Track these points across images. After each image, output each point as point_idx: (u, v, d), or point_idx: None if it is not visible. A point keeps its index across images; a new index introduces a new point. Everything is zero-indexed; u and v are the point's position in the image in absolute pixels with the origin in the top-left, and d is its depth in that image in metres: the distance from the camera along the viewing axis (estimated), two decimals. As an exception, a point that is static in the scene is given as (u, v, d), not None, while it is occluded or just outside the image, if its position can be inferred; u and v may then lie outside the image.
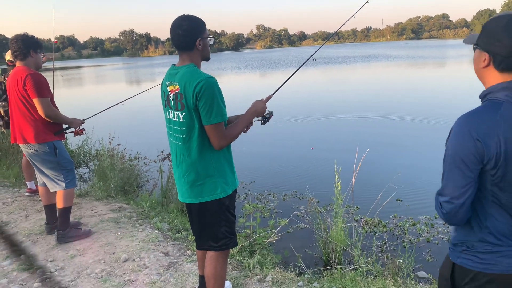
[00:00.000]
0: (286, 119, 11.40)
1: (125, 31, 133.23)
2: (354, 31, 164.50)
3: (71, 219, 3.94)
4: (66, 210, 3.76)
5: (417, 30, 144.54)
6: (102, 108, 4.48)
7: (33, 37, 3.69)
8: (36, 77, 3.50)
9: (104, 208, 4.72)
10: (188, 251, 3.61)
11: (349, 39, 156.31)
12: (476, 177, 1.41)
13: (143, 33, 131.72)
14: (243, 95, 15.83)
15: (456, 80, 18.93)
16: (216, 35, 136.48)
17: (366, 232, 4.31)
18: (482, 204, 1.46)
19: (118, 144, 6.26)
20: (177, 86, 2.22)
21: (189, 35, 2.24)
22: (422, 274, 3.61)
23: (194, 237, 2.68)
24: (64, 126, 3.80)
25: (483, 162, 1.38)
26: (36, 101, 3.48)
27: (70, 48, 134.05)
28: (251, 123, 2.56)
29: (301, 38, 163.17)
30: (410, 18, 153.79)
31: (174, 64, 2.36)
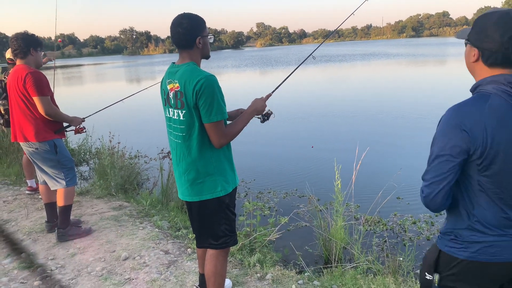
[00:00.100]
0: (286, 118, 11.40)
1: (125, 29, 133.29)
2: (354, 29, 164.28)
3: (71, 217, 3.94)
4: (67, 208, 3.77)
5: (418, 28, 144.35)
6: (103, 106, 4.48)
7: (33, 35, 3.69)
8: (36, 76, 3.50)
9: (104, 206, 4.72)
10: (188, 249, 3.61)
11: (350, 37, 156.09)
12: (458, 165, 1.45)
13: (143, 31, 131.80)
14: (243, 93, 15.82)
15: (457, 78, 18.91)
16: (216, 33, 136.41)
17: (366, 230, 4.32)
18: (470, 194, 1.50)
19: (119, 142, 6.26)
20: (177, 84, 2.22)
21: (189, 33, 2.24)
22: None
23: (194, 235, 2.68)
24: (65, 124, 3.80)
25: (469, 153, 1.42)
26: (36, 100, 3.48)
27: (70, 47, 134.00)
28: None
29: (301, 36, 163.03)
30: (411, 16, 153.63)
31: (174, 62, 2.36)
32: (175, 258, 3.46)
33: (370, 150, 4.46)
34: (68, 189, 3.72)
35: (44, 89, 3.51)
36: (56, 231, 3.79)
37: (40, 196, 4.76)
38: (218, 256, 2.46)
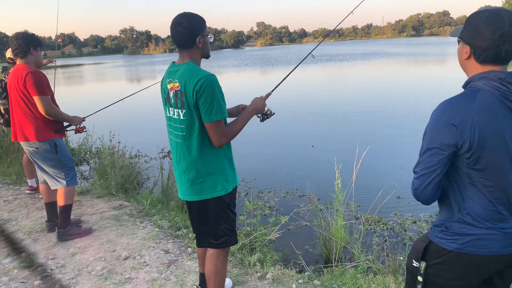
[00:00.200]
0: (287, 117, 11.40)
1: (126, 28, 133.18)
2: (354, 29, 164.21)
3: (72, 216, 3.95)
4: (67, 208, 3.77)
5: (418, 27, 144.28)
6: (103, 106, 4.48)
7: (33, 35, 3.68)
8: (37, 75, 3.50)
9: (104, 206, 4.73)
10: (189, 249, 3.61)
11: (350, 37, 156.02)
12: (447, 158, 1.50)
13: (144, 30, 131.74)
14: (244, 93, 15.81)
15: (456, 77, 18.91)
16: (217, 32, 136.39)
17: (367, 229, 4.32)
18: (460, 187, 1.55)
19: (119, 142, 6.26)
20: (177, 84, 2.22)
21: (189, 33, 2.23)
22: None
23: (194, 234, 2.68)
24: (65, 123, 3.80)
25: (458, 146, 1.46)
26: (36, 99, 3.48)
27: (70, 46, 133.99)
28: None
29: (301, 35, 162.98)
30: (411, 15, 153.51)
31: (174, 62, 2.35)
32: (176, 258, 3.46)
33: (370, 149, 4.46)
34: (68, 189, 3.72)
35: (44, 89, 3.51)
36: (57, 230, 3.79)
37: (40, 196, 4.77)
38: (218, 255, 2.46)
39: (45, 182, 3.82)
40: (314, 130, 10.09)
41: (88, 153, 7.60)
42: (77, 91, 25.19)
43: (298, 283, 3.10)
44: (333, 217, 3.87)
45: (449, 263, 1.58)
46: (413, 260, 1.69)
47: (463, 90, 1.58)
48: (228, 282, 2.98)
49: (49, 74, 4.11)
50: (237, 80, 25.14)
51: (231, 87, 18.47)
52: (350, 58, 38.14)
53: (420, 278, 1.65)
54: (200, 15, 2.30)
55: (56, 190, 3.75)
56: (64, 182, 3.70)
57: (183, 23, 2.22)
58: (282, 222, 4.06)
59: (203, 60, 2.39)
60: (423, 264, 1.65)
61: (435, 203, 1.68)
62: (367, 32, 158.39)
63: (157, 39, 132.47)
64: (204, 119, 2.18)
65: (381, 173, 6.21)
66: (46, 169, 3.69)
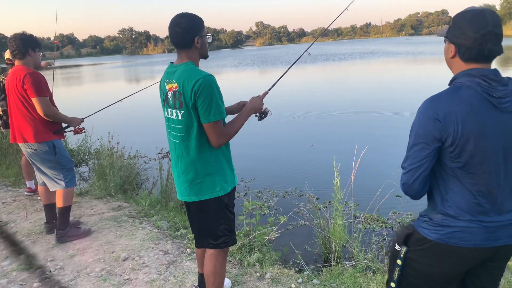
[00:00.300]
0: (286, 117, 11.40)
1: (124, 29, 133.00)
2: (353, 28, 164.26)
3: (70, 218, 3.94)
4: (66, 209, 3.77)
5: (417, 26, 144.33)
6: (102, 107, 4.47)
7: (31, 36, 3.68)
8: (35, 76, 3.49)
9: (103, 207, 4.72)
10: (188, 249, 3.61)
11: (349, 36, 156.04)
12: (433, 153, 1.55)
13: (142, 31, 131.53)
14: (243, 92, 15.80)
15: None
16: (215, 32, 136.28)
17: (366, 228, 4.32)
18: (444, 180, 1.60)
19: (118, 143, 6.25)
20: (176, 84, 2.22)
21: (188, 33, 2.23)
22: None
23: (193, 235, 2.68)
24: (64, 125, 3.80)
25: (442, 140, 1.52)
26: (35, 100, 3.48)
27: (69, 47, 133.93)
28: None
29: (300, 35, 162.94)
30: (410, 14, 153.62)
31: (172, 62, 2.35)
32: (175, 258, 3.46)
33: (369, 148, 4.47)
34: (67, 190, 3.72)
35: (42, 90, 3.51)
36: (55, 232, 3.79)
37: (39, 197, 4.76)
38: (217, 256, 2.46)
39: (44, 184, 3.81)
40: (313, 130, 10.09)
41: (87, 154, 7.59)
42: (76, 92, 25.17)
43: (297, 282, 3.10)
44: (332, 216, 3.87)
45: (428, 251, 1.64)
46: (396, 244, 1.76)
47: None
48: (227, 282, 2.98)
49: (47, 75, 4.10)
50: (236, 80, 25.14)
51: (230, 87, 18.47)
52: (349, 58, 38.12)
53: (399, 261, 1.72)
54: (198, 15, 2.30)
55: (55, 191, 3.75)
56: (63, 183, 3.69)
57: (181, 23, 2.22)
58: (281, 221, 4.06)
59: (201, 60, 2.40)
60: (404, 249, 1.71)
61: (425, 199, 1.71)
62: (365, 31, 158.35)
63: (156, 39, 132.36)
64: (203, 119, 2.19)
65: (380, 172, 6.21)
66: (45, 171, 3.68)
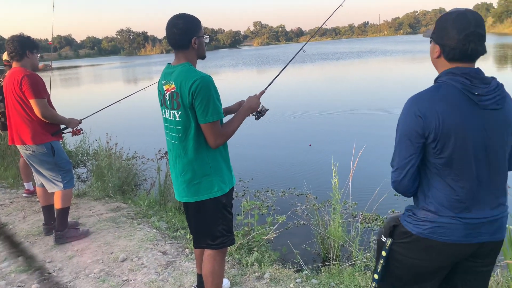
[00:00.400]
0: (283, 116, 11.40)
1: (122, 30, 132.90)
2: (351, 27, 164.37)
3: (69, 219, 3.94)
4: (64, 211, 3.76)
5: (414, 24, 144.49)
6: (100, 108, 4.47)
7: (29, 37, 3.68)
8: (33, 78, 3.49)
9: (102, 208, 4.72)
10: (186, 250, 3.61)
11: (347, 35, 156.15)
12: (419, 150, 1.60)
13: (140, 31, 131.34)
14: (241, 92, 15.80)
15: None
16: (213, 32, 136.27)
17: (364, 227, 4.33)
18: (427, 176, 1.65)
19: (116, 144, 6.24)
20: (173, 85, 2.23)
21: (185, 34, 2.24)
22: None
23: (192, 235, 2.68)
24: (62, 126, 3.80)
25: (425, 136, 1.56)
26: (32, 102, 3.48)
27: (67, 48, 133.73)
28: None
29: (298, 34, 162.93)
30: (407, 13, 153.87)
31: (170, 63, 2.36)
32: (173, 259, 3.46)
33: (367, 147, 4.47)
34: (65, 192, 3.72)
35: (40, 92, 3.51)
36: (54, 233, 3.78)
37: (37, 199, 4.75)
38: (216, 256, 2.46)
39: (42, 185, 3.81)
40: (311, 129, 10.09)
41: (85, 155, 7.59)
42: (74, 93, 25.13)
43: (296, 282, 3.10)
44: (331, 216, 3.87)
45: (411, 244, 1.69)
46: (382, 236, 1.81)
47: None
48: (226, 282, 2.99)
49: (45, 76, 4.10)
50: (234, 80, 25.13)
51: (228, 87, 18.46)
52: (347, 57, 38.14)
53: (384, 253, 1.78)
54: (195, 16, 2.30)
55: (53, 193, 3.75)
56: (61, 185, 3.69)
57: (178, 24, 2.23)
58: (280, 221, 4.06)
59: (199, 61, 2.40)
60: (389, 241, 1.77)
61: None
62: (363, 30, 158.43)
63: (154, 39, 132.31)
64: (200, 120, 2.19)
65: (378, 171, 6.21)
66: (43, 172, 3.68)
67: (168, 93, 2.27)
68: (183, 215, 4.42)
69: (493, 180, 1.60)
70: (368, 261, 3.46)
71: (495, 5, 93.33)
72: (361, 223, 4.22)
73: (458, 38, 1.54)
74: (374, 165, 6.57)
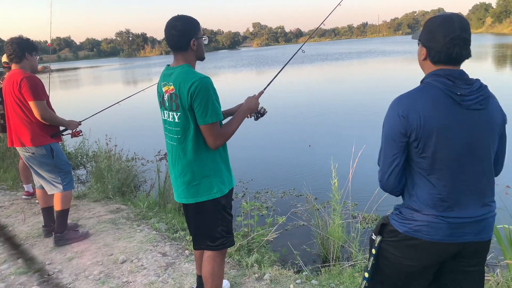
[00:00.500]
0: (283, 117, 11.41)
1: (121, 31, 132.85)
2: (350, 27, 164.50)
3: (68, 221, 3.94)
4: (64, 213, 3.76)
5: (413, 25, 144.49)
6: (99, 110, 4.47)
7: (28, 39, 3.68)
8: (32, 80, 3.49)
9: (101, 210, 4.72)
10: (186, 251, 3.61)
11: (346, 36, 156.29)
12: (402, 149, 1.64)
13: (140, 33, 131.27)
14: (240, 93, 15.80)
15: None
16: (212, 33, 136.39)
17: (364, 228, 4.32)
18: (411, 175, 1.68)
19: (115, 145, 6.25)
20: (172, 87, 2.23)
21: (183, 36, 2.24)
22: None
23: (191, 237, 2.68)
24: (61, 128, 3.80)
25: (407, 136, 1.60)
26: (32, 104, 3.48)
27: (66, 50, 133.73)
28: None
29: (297, 35, 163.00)
30: (406, 13, 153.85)
31: (168, 65, 2.36)
32: (173, 260, 3.46)
33: (366, 147, 4.47)
34: (65, 193, 3.71)
35: (39, 94, 3.51)
36: (53, 235, 3.78)
37: (37, 201, 4.75)
38: (215, 257, 2.46)
39: (42, 187, 3.81)
40: (311, 130, 10.10)
41: (85, 157, 7.59)
42: (73, 95, 25.12)
43: (296, 283, 3.10)
44: (330, 216, 3.87)
45: (398, 243, 1.72)
46: (373, 234, 1.85)
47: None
48: (225, 283, 2.99)
49: (43, 78, 4.10)
50: (233, 81, 25.14)
51: (227, 88, 18.47)
52: (346, 57, 38.16)
53: (373, 251, 1.80)
54: (194, 17, 2.30)
55: (52, 195, 3.75)
56: (60, 186, 3.69)
57: (177, 26, 2.23)
58: (280, 222, 4.06)
59: (198, 62, 2.40)
60: (378, 238, 1.79)
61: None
62: (362, 30, 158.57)
63: (153, 41, 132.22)
64: (199, 121, 2.19)
65: (378, 171, 6.21)
66: (43, 174, 3.68)
67: (167, 94, 2.27)
68: (182, 217, 4.42)
69: (477, 180, 1.62)
70: (368, 261, 3.45)
71: (494, 5, 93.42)
72: (361, 224, 4.22)
73: (444, 42, 1.57)
74: (374, 166, 6.53)
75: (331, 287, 3.06)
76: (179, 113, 2.22)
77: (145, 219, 4.44)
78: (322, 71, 27.31)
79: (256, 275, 3.19)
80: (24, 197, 5.21)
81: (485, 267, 1.80)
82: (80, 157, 7.54)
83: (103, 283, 3.12)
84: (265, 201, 5.60)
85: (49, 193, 3.76)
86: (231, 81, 25.22)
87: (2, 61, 5.08)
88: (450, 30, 1.56)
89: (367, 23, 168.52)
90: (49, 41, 6.73)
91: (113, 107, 4.53)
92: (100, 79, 38.02)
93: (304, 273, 3.35)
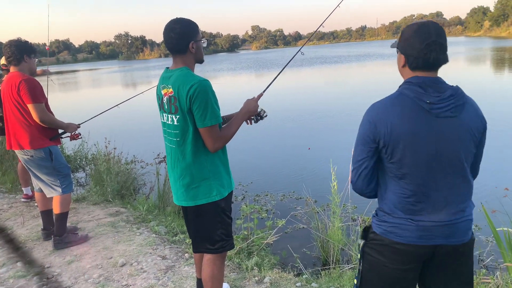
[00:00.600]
0: (282, 120, 11.41)
1: (120, 34, 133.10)
2: (349, 31, 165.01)
3: (68, 224, 3.93)
4: (63, 216, 3.75)
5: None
6: (98, 112, 4.47)
7: (26, 42, 3.68)
8: (30, 83, 3.49)
9: (101, 213, 4.70)
10: (186, 254, 3.60)
11: (344, 39, 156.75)
12: (371, 154, 1.69)
13: (138, 36, 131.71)
14: (239, 96, 15.80)
15: (452, 77, 18.98)
16: (211, 36, 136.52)
17: (364, 231, 4.31)
18: (384, 179, 1.73)
19: (114, 148, 6.24)
20: (171, 90, 2.23)
21: (182, 38, 2.24)
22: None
23: (191, 240, 2.68)
24: (60, 131, 3.79)
25: (376, 142, 1.65)
26: (30, 107, 3.47)
27: (65, 52, 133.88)
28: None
29: (296, 38, 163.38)
30: (405, 17, 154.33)
31: (168, 67, 2.36)
32: (173, 264, 3.45)
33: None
34: (64, 196, 3.70)
35: (38, 96, 3.50)
36: (53, 238, 3.77)
37: (36, 204, 4.73)
38: (215, 260, 2.45)
39: (41, 190, 3.80)
40: (310, 133, 10.10)
41: (84, 159, 7.57)
42: (72, 97, 25.12)
43: (296, 286, 3.09)
44: (330, 219, 3.87)
45: (376, 245, 1.75)
46: (360, 238, 1.87)
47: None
48: (225, 286, 2.98)
49: (42, 81, 4.10)
50: (232, 84, 25.16)
51: (226, 91, 18.47)
52: (345, 60, 38.24)
53: (359, 255, 1.84)
54: (192, 20, 2.30)
55: (51, 198, 3.74)
56: (59, 189, 3.68)
57: (176, 29, 2.23)
58: (279, 225, 4.06)
59: (197, 65, 2.40)
60: (362, 242, 1.83)
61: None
62: (361, 34, 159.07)
63: (152, 44, 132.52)
64: (198, 124, 2.19)
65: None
66: (42, 177, 3.67)
67: (166, 97, 2.27)
68: (182, 220, 4.41)
69: (447, 186, 1.63)
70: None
71: (492, 9, 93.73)
72: (360, 227, 4.21)
73: (420, 48, 1.61)
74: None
75: (331, 290, 3.05)
76: (178, 116, 2.22)
77: (145, 222, 4.43)
78: (321, 74, 27.35)
79: (256, 278, 3.18)
80: (23, 200, 5.20)
81: (474, 271, 1.81)
82: (79, 160, 7.52)
83: (102, 287, 3.11)
84: (264, 204, 5.60)
85: (48, 196, 3.75)
86: (230, 84, 25.24)
87: (1, 64, 5.08)
88: (426, 36, 1.60)
89: (365, 26, 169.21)
90: (47, 45, 6.73)
91: (112, 109, 4.53)
92: (99, 82, 38.02)
93: (304, 276, 3.34)
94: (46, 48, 6.58)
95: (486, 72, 20.84)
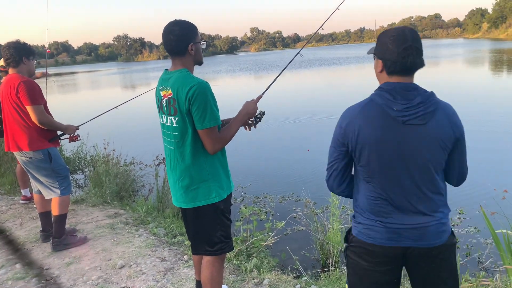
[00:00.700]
0: (282, 122, 11.42)
1: (119, 36, 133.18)
2: (347, 33, 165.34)
3: (66, 226, 3.92)
4: (62, 217, 3.74)
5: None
6: (97, 114, 4.46)
7: (25, 44, 3.68)
8: (29, 84, 3.48)
9: (100, 214, 4.70)
10: (185, 256, 3.60)
11: (343, 41, 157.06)
12: (341, 156, 1.76)
13: (137, 37, 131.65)
14: (239, 98, 15.81)
15: (451, 78, 19.05)
16: (210, 38, 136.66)
17: (363, 233, 4.31)
18: (356, 181, 1.79)
19: (113, 150, 6.23)
20: (170, 91, 2.22)
21: (181, 40, 2.24)
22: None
23: (190, 242, 2.67)
24: (59, 132, 3.79)
25: (346, 145, 1.72)
26: (29, 109, 3.47)
27: (64, 54, 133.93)
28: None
29: (295, 40, 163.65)
30: (403, 19, 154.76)
31: (167, 69, 2.36)
32: (172, 265, 3.44)
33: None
34: (63, 198, 3.70)
35: (37, 98, 3.50)
36: (51, 240, 3.76)
37: (34, 206, 4.73)
38: (214, 262, 2.45)
39: (39, 192, 3.79)
40: (309, 135, 10.10)
41: (83, 161, 7.56)
42: (71, 99, 25.10)
43: (295, 288, 3.08)
44: (329, 221, 3.87)
45: (355, 247, 1.78)
46: (344, 242, 1.90)
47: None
48: (225, 289, 2.97)
49: (41, 83, 4.10)
50: (231, 86, 25.17)
51: (226, 93, 18.47)
52: (344, 62, 38.29)
53: (345, 260, 1.87)
54: (191, 22, 2.30)
55: (50, 199, 3.73)
56: (58, 191, 3.67)
57: (175, 30, 2.23)
58: (279, 227, 4.06)
59: (196, 66, 2.40)
60: (344, 245, 1.86)
61: None
62: (360, 36, 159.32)
63: (151, 46, 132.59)
64: (198, 126, 2.19)
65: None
66: (40, 179, 3.66)
67: (165, 99, 2.27)
68: (181, 221, 4.40)
69: (414, 191, 1.65)
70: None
71: (490, 11, 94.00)
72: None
73: (398, 52, 1.62)
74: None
75: (331, 292, 3.05)
76: (177, 118, 2.22)
77: (144, 224, 4.42)
78: (320, 76, 27.38)
79: (255, 280, 3.18)
80: (21, 201, 5.19)
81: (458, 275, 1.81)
82: (78, 161, 7.51)
83: (101, 289, 3.10)
84: (264, 206, 5.59)
85: (46, 198, 3.74)
86: (229, 85, 25.25)
87: (-1, 65, 5.07)
88: (403, 40, 1.62)
89: (364, 28, 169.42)
90: (46, 47, 6.73)
91: (111, 111, 4.53)
92: (98, 84, 38.01)
93: (303, 278, 3.34)
94: (47, 51, 6.57)
95: (484, 74, 20.88)
